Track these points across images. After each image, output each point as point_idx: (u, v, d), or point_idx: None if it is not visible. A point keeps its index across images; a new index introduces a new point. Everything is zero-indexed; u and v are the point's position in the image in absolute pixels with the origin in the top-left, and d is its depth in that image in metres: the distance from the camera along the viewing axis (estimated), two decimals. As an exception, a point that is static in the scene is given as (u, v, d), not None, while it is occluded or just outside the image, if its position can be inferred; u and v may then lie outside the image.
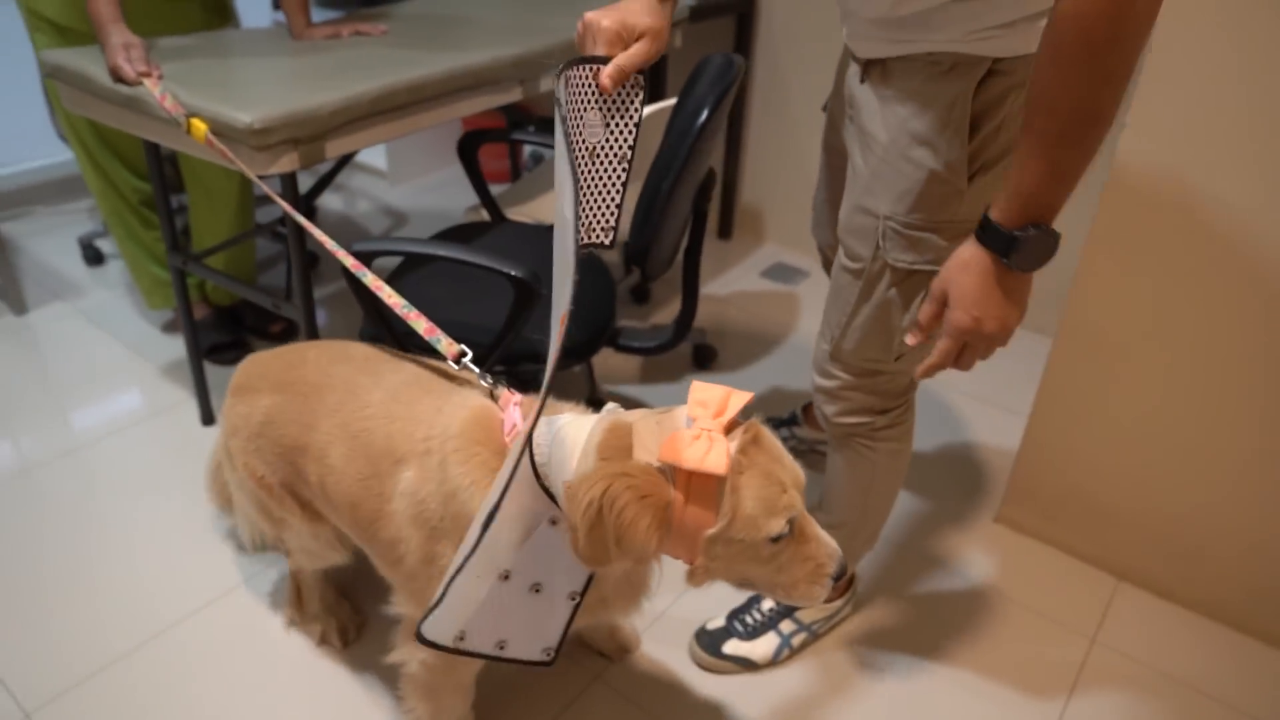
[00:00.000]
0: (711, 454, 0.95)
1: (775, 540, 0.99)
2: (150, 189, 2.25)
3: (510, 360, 1.59)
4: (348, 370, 1.31)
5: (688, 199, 1.61)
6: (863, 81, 1.25)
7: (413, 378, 1.27)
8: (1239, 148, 1.41)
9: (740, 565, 1.02)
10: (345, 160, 2.16)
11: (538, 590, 1.08)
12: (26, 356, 2.39)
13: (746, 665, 1.58)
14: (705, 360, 2.44)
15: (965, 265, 1.05)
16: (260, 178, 1.48)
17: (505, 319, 1.44)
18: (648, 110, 1.35)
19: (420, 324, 1.27)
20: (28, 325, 2.52)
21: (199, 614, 1.64)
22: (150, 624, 1.62)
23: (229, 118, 1.44)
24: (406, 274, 1.79)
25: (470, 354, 1.23)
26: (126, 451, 2.05)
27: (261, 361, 1.41)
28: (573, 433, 1.04)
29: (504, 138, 2.11)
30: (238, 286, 1.89)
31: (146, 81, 1.58)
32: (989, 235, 1.02)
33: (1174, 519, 1.69)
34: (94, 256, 2.84)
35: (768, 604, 1.62)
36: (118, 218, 2.29)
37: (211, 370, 2.34)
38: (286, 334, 2.49)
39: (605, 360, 2.43)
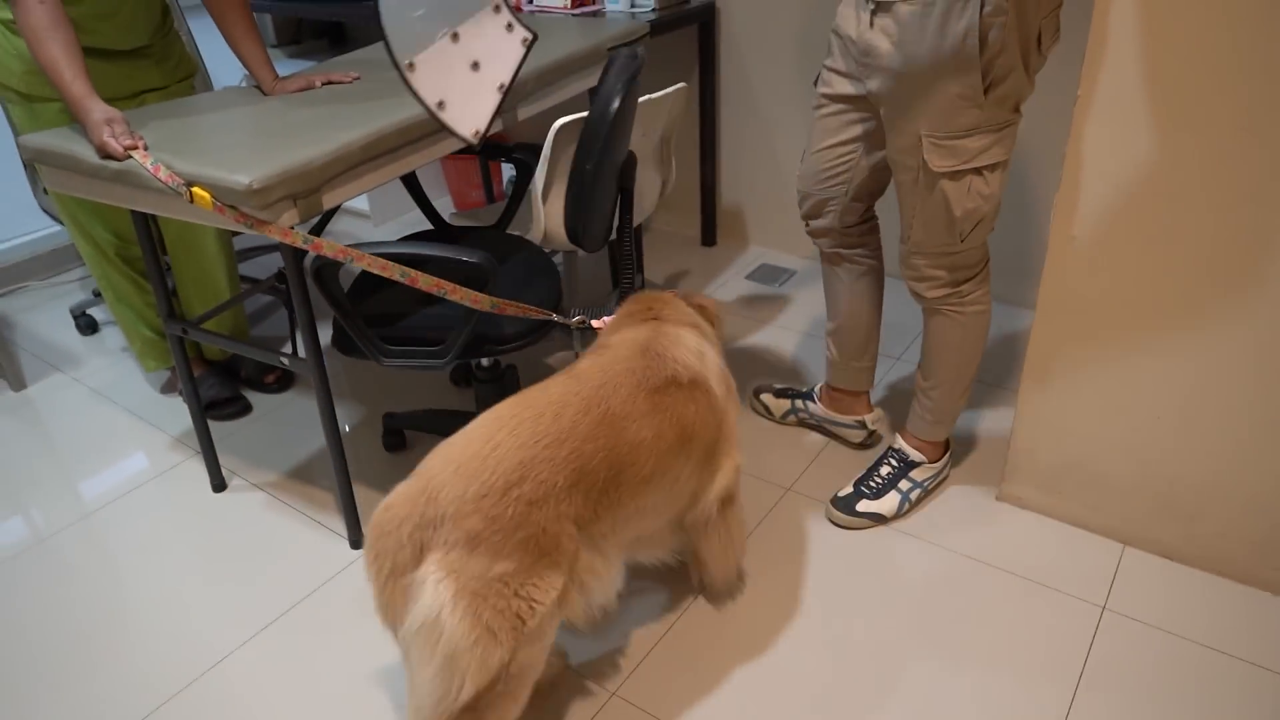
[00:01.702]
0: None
1: None
2: (138, 252, 2.27)
3: (474, 346, 1.74)
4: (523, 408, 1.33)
5: (612, 179, 1.79)
6: (872, 26, 1.58)
7: (573, 375, 1.41)
8: (1211, 101, 1.47)
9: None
10: (334, 209, 2.20)
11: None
12: (29, 431, 2.41)
13: (877, 519, 1.93)
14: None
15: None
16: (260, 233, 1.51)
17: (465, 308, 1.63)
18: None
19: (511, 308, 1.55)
20: (27, 400, 2.54)
21: (230, 658, 1.67)
22: (180, 676, 1.64)
23: (227, 181, 1.47)
24: (371, 279, 1.94)
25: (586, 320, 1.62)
26: (137, 514, 2.07)
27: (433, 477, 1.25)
28: None
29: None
30: (239, 347, 1.91)
31: (135, 155, 1.60)
32: None
33: (1172, 480, 1.75)
34: (88, 325, 2.86)
35: (885, 468, 1.97)
36: (108, 282, 2.32)
37: (216, 429, 2.36)
38: (281, 383, 2.52)
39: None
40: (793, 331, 2.67)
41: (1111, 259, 1.63)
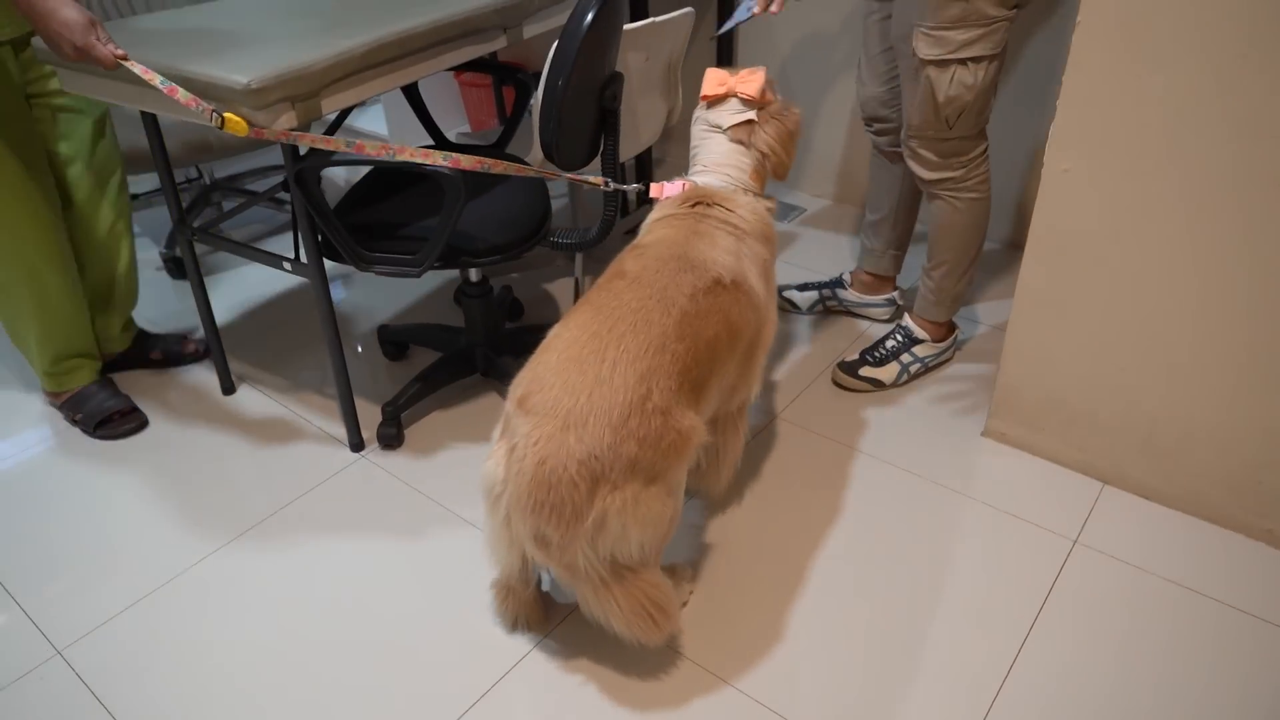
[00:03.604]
0: (759, 78, 1.63)
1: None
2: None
3: (450, 257, 1.79)
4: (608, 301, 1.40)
5: (590, 97, 1.79)
6: None
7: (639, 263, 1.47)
8: (1210, 29, 1.45)
9: (789, 145, 1.68)
10: (342, 118, 2.22)
11: None
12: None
13: (876, 385, 2.15)
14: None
15: None
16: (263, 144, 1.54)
17: (441, 217, 1.70)
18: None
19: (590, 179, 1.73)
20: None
21: (226, 548, 1.76)
22: (180, 561, 1.74)
23: (225, 80, 1.50)
24: (364, 193, 1.98)
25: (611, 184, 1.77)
26: (149, 411, 2.16)
27: (541, 375, 1.32)
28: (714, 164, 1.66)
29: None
30: (248, 251, 1.93)
31: (127, 64, 1.50)
32: None
33: (1155, 419, 1.76)
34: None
35: (891, 341, 2.16)
36: (18, 289, 1.99)
37: (228, 334, 2.42)
38: (198, 354, 2.34)
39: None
40: (802, 269, 2.68)
41: (1103, 194, 1.63)
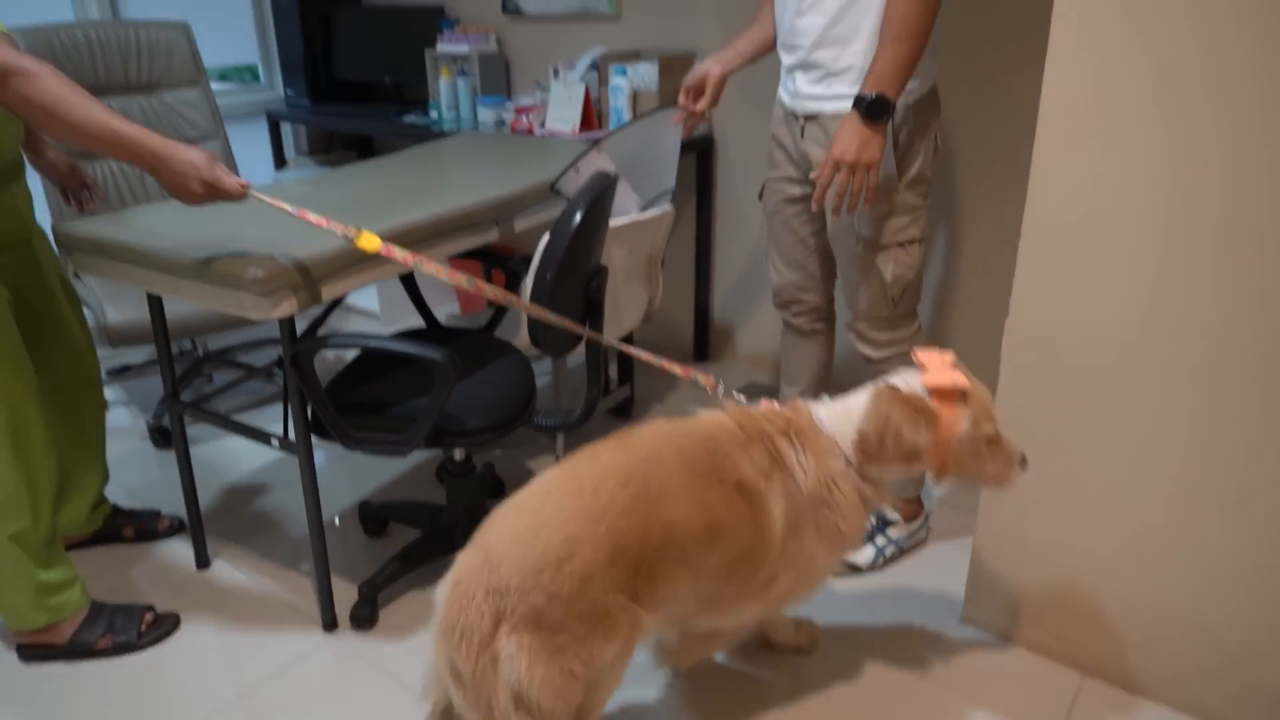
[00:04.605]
0: (958, 375, 1.50)
1: (989, 440, 1.50)
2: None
3: (436, 437, 1.83)
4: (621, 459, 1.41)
5: (576, 288, 1.90)
6: (803, 137, 1.95)
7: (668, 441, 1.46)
8: (1135, 245, 1.57)
9: (969, 463, 1.52)
10: (335, 304, 2.32)
11: None
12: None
13: (853, 569, 2.16)
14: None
15: (842, 123, 1.76)
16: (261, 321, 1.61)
17: (430, 398, 1.74)
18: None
19: (677, 368, 1.77)
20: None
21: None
22: (144, 755, 1.65)
23: (231, 269, 1.60)
24: (357, 371, 2.04)
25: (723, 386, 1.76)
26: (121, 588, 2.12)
27: (499, 526, 1.36)
28: (839, 410, 1.56)
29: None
30: (235, 427, 1.98)
31: (254, 192, 1.59)
32: (855, 102, 1.73)
33: (1128, 609, 1.77)
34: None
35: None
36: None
37: (205, 501, 2.40)
38: (173, 528, 2.32)
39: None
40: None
41: (1063, 386, 1.71)
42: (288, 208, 1.65)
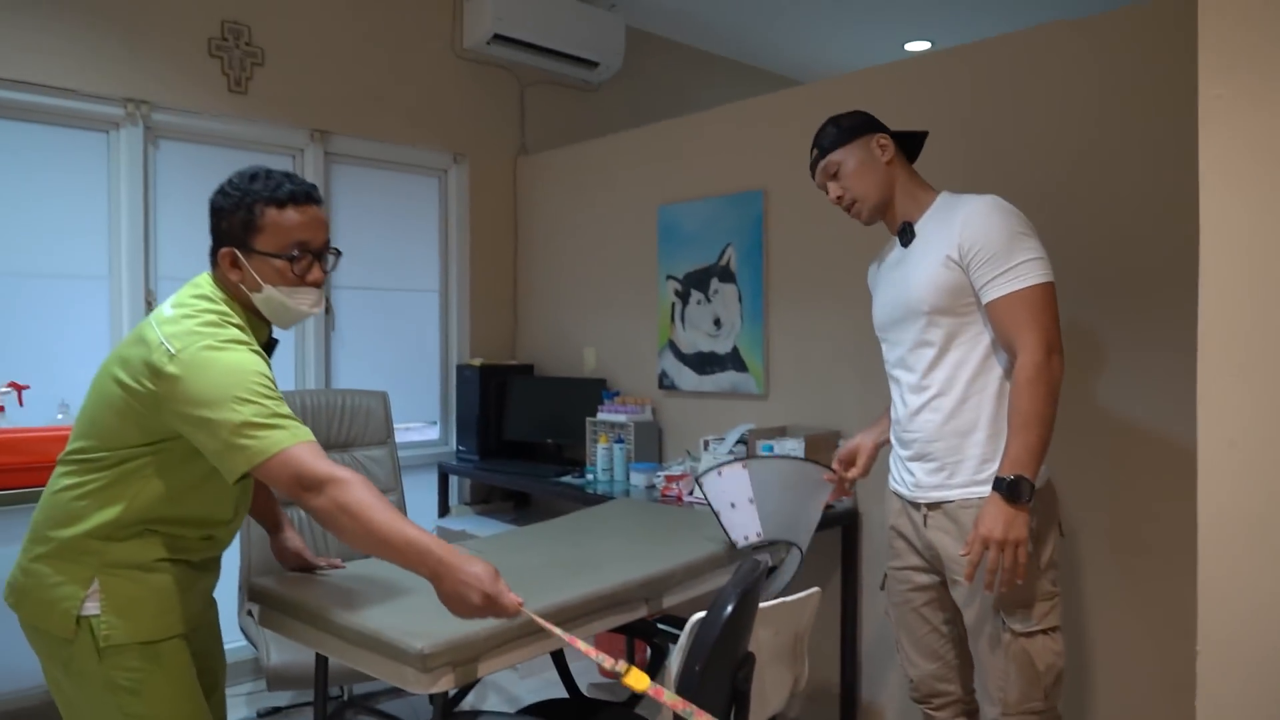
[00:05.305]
0: None
1: None
2: None
3: None
4: None
5: (724, 678, 1.85)
6: (926, 525, 2.00)
7: None
8: None
9: None
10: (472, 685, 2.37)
11: None
12: None
13: None
14: None
15: (985, 504, 1.84)
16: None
17: None
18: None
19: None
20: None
21: None
22: None
23: (400, 642, 1.68)
24: None
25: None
26: None
27: None
28: None
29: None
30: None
31: (527, 610, 1.58)
32: (995, 484, 1.82)
33: None
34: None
35: None
36: None
37: None
38: None
39: None
40: None
41: None
42: (558, 631, 1.65)
